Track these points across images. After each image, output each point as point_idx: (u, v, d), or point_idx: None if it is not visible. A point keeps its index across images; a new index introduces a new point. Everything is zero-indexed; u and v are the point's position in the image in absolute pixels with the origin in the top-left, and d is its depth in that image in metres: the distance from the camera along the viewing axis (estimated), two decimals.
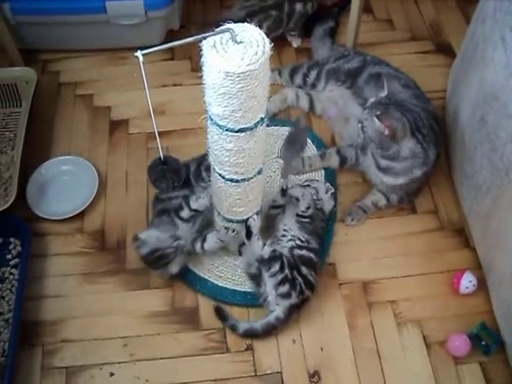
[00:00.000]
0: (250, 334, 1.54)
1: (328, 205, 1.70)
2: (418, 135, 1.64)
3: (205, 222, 1.61)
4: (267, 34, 2.00)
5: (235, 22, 1.99)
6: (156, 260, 1.55)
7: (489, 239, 1.60)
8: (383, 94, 1.67)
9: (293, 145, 1.63)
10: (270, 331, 1.54)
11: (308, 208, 1.63)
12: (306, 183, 1.72)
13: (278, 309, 1.52)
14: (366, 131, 1.66)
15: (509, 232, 1.47)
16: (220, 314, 1.57)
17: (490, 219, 1.57)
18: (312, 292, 1.55)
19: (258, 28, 1.94)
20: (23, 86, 1.96)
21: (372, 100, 1.68)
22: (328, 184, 1.72)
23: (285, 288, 1.50)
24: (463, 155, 1.72)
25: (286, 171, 1.67)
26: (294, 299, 1.51)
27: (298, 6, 2.12)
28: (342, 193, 1.81)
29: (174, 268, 1.57)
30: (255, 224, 1.54)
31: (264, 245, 1.54)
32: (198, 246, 1.59)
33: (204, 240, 1.58)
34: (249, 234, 1.53)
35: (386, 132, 1.60)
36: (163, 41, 2.14)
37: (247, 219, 1.53)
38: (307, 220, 1.62)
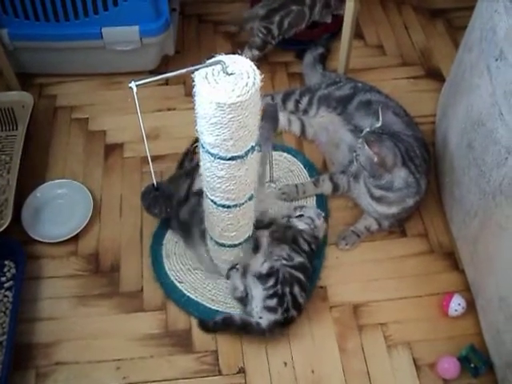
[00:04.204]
0: (227, 322, 1.56)
1: (321, 230, 1.73)
2: (411, 165, 1.66)
3: None
4: (288, 30, 2.18)
5: (256, 20, 2.15)
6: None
7: (477, 262, 1.62)
8: (378, 124, 1.69)
9: (268, 123, 1.65)
10: (245, 329, 1.55)
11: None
12: (298, 213, 1.73)
13: (261, 321, 1.54)
14: (359, 159, 1.68)
15: (495, 256, 1.49)
16: (205, 326, 1.59)
17: (477, 243, 1.60)
18: (298, 313, 1.57)
19: (278, 25, 2.14)
20: (20, 110, 1.99)
21: (367, 129, 1.70)
22: (318, 209, 1.75)
23: (273, 302, 1.53)
24: (452, 179, 1.75)
25: (264, 154, 1.68)
26: (278, 315, 1.53)
27: None
28: (333, 217, 1.83)
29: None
30: (266, 240, 1.58)
31: (264, 261, 1.57)
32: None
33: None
34: (256, 248, 1.57)
35: (375, 159, 1.62)
36: (158, 66, 2.18)
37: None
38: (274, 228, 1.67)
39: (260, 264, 1.56)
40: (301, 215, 1.72)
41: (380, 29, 2.42)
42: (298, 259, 1.62)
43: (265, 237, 1.58)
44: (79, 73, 2.20)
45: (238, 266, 1.59)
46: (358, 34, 2.30)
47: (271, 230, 1.66)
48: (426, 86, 2.21)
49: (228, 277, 1.63)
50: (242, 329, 1.56)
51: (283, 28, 2.16)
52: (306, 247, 1.66)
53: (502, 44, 1.42)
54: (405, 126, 1.76)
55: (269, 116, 1.64)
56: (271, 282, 1.54)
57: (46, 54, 2.09)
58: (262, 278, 1.55)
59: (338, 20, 2.30)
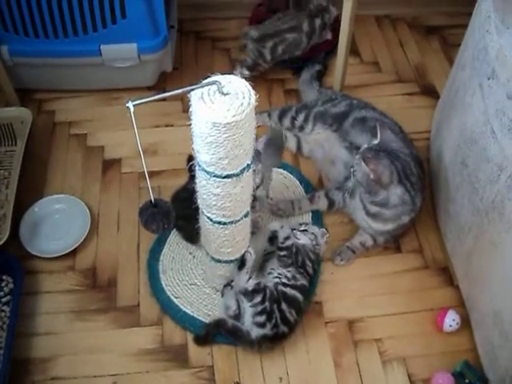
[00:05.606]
0: (218, 324, 1.58)
1: (322, 248, 1.73)
2: (407, 183, 1.66)
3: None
4: (282, 56, 2.20)
5: (250, 40, 2.17)
6: None
7: (471, 278, 1.64)
8: (376, 141, 1.70)
9: (272, 150, 1.68)
10: (235, 334, 1.56)
11: (286, 238, 1.66)
12: (302, 228, 1.73)
13: (251, 332, 1.55)
14: (356, 175, 1.70)
15: (489, 272, 1.51)
16: (202, 340, 1.61)
17: (471, 259, 1.61)
18: (289, 329, 1.57)
19: (271, 50, 2.16)
20: (18, 126, 2.00)
21: (365, 146, 1.71)
22: (323, 229, 1.74)
23: (262, 318, 1.54)
24: (446, 196, 1.77)
25: (266, 180, 1.69)
26: (267, 330, 1.54)
27: (317, 21, 2.21)
28: (328, 233, 1.83)
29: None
30: (251, 257, 1.58)
31: (249, 278, 1.58)
32: None
33: None
34: (242, 266, 1.58)
35: (372, 176, 1.63)
36: (156, 82, 2.20)
37: (244, 252, 1.58)
38: (284, 253, 1.65)
39: (245, 281, 1.57)
40: (305, 230, 1.72)
41: (375, 46, 2.45)
42: (302, 281, 1.63)
43: (249, 253, 1.59)
44: (78, 89, 2.23)
45: (232, 284, 1.60)
46: (353, 50, 2.33)
47: (281, 254, 1.65)
48: (420, 103, 2.24)
49: (222, 294, 1.64)
50: (232, 333, 1.57)
51: (277, 53, 2.18)
52: (311, 270, 1.67)
53: (494, 64, 1.45)
54: (402, 144, 1.78)
55: (273, 144, 1.67)
56: (258, 298, 1.54)
57: (45, 70, 2.12)
58: (247, 294, 1.56)
59: (335, 37, 2.34)
